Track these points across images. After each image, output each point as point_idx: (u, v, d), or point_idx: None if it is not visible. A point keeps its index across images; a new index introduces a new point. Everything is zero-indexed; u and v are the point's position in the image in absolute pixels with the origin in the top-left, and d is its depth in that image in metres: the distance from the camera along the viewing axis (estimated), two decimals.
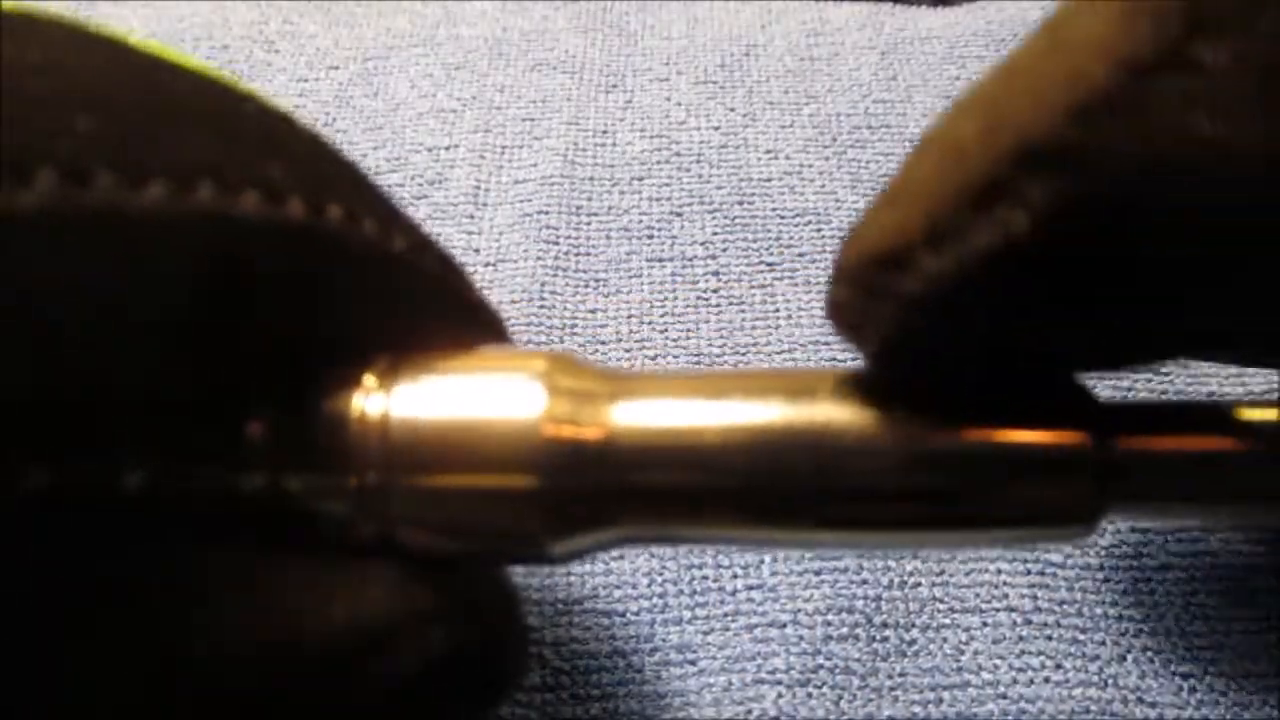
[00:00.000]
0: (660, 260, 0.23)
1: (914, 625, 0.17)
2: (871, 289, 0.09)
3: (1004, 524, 0.10)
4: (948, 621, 0.17)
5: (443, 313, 0.11)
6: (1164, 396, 0.20)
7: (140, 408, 0.10)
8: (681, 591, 0.17)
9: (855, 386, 0.10)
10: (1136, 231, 0.08)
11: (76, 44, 0.08)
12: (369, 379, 0.10)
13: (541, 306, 0.22)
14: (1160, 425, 0.10)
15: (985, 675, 0.16)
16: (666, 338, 0.21)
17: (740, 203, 0.24)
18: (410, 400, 0.10)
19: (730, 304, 0.22)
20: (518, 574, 0.17)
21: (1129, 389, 0.20)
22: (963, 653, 0.17)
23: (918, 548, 0.11)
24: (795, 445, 0.10)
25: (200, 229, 0.08)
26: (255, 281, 0.09)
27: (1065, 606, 0.17)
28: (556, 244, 0.23)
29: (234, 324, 0.10)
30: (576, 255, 0.23)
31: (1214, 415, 0.11)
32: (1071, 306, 0.09)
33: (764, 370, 0.11)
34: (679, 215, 0.24)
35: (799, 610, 0.17)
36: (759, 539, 0.10)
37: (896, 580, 0.17)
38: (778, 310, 0.22)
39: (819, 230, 0.24)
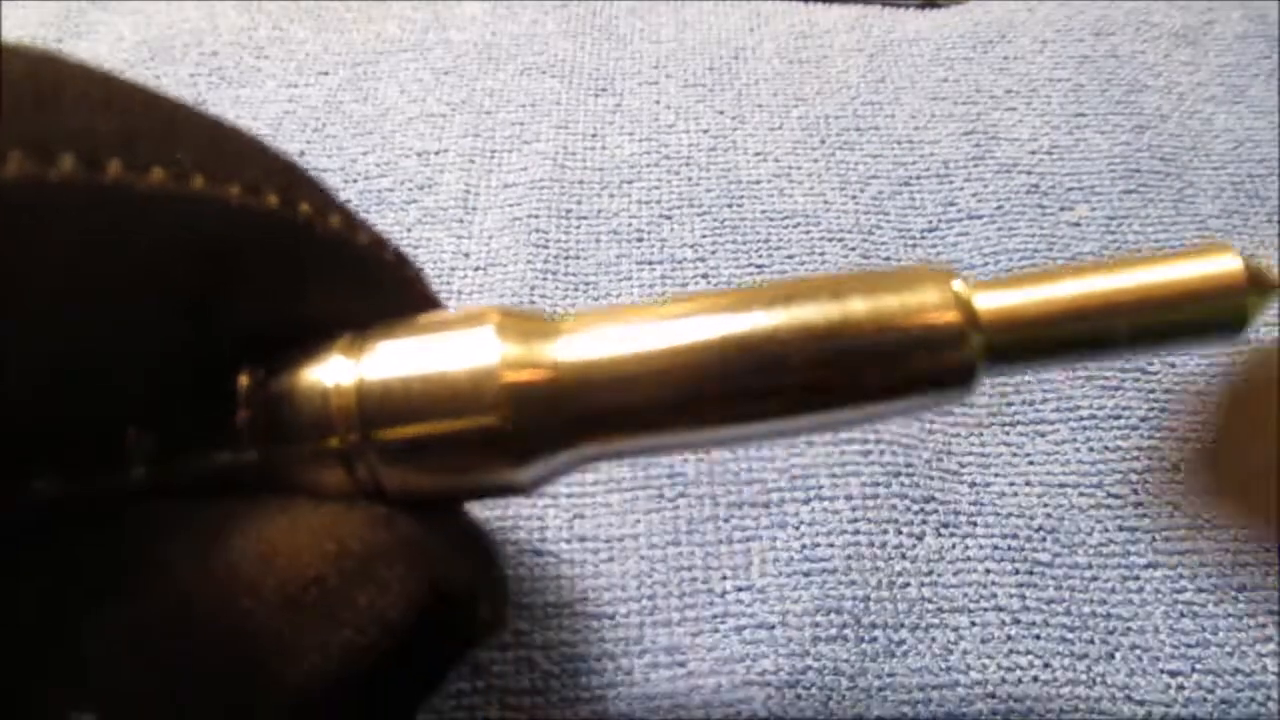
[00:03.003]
0: (650, 263, 0.23)
1: (902, 625, 0.17)
2: None
3: (894, 396, 0.11)
4: (936, 621, 0.17)
5: (398, 299, 0.13)
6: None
7: (143, 403, 0.11)
8: (670, 594, 0.17)
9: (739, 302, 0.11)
10: None
11: (82, 68, 0.10)
12: (337, 351, 0.11)
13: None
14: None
15: (974, 675, 0.17)
16: None
17: (729, 205, 0.24)
18: (378, 363, 0.11)
19: None
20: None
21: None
22: (951, 652, 0.17)
23: (812, 431, 0.12)
24: (707, 357, 0.11)
25: (195, 210, 0.10)
26: (240, 263, 0.11)
27: (1053, 605, 0.17)
28: (546, 247, 0.23)
29: (223, 303, 0.11)
30: (566, 259, 0.23)
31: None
32: None
33: (689, 294, 0.12)
34: (668, 218, 0.24)
35: (787, 612, 0.17)
36: (702, 440, 0.12)
37: (885, 581, 0.18)
38: None
39: (808, 232, 0.24)
